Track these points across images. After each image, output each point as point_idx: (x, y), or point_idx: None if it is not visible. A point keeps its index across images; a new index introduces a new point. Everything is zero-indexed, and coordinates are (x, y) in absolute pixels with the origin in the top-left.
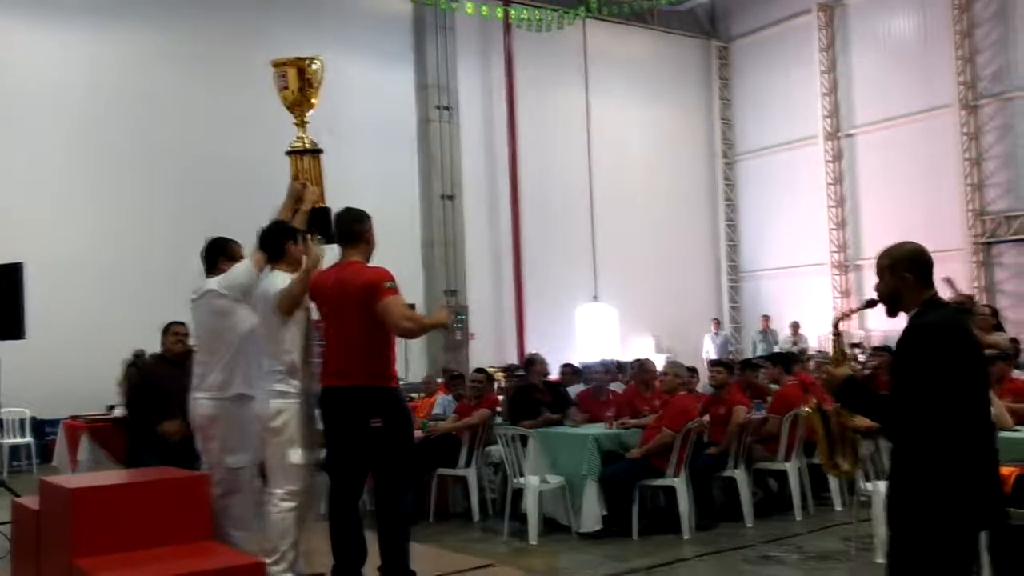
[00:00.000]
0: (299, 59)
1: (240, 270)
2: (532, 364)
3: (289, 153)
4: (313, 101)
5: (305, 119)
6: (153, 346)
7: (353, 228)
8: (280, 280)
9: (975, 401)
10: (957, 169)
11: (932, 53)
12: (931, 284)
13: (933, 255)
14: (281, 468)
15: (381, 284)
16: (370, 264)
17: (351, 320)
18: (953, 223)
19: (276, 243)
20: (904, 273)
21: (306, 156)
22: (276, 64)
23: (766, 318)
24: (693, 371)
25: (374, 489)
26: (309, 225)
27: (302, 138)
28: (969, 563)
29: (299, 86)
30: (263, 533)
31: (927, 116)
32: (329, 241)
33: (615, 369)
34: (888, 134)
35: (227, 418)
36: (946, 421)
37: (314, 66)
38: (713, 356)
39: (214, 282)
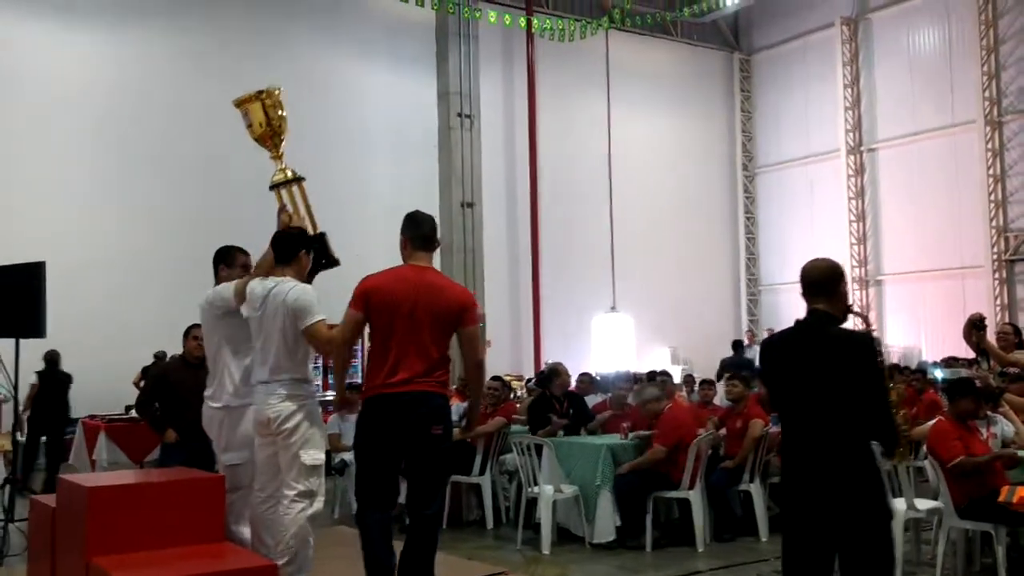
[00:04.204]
0: (258, 93)
1: (225, 288)
2: (555, 375)
3: (273, 187)
4: (283, 133)
5: (280, 151)
6: (173, 347)
7: (433, 233)
8: (292, 287)
9: (787, 407)
10: (980, 185)
11: (957, 68)
12: (808, 301)
13: (955, 272)
14: (294, 469)
15: (475, 309)
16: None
17: (432, 328)
18: (975, 240)
19: (290, 248)
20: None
21: (290, 186)
22: (237, 104)
23: (751, 333)
24: (711, 384)
25: (412, 497)
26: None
27: (283, 170)
28: (799, 555)
29: (265, 119)
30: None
31: (951, 132)
32: (328, 266)
33: (631, 381)
34: (911, 149)
35: (220, 421)
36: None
37: (275, 96)
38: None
39: (205, 296)
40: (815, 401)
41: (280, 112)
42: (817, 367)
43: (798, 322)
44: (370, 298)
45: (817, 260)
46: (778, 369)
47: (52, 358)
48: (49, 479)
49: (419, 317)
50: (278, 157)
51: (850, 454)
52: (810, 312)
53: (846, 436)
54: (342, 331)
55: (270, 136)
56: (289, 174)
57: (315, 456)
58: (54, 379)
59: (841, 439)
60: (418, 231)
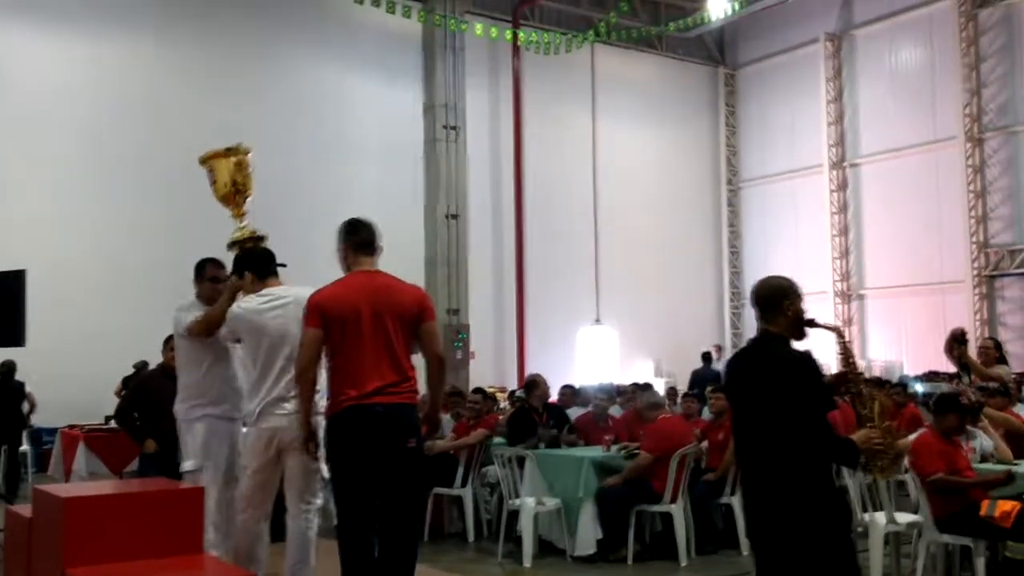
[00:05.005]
0: (226, 150)
1: (186, 315)
2: (534, 386)
3: (231, 245)
4: (247, 192)
5: (243, 210)
6: (156, 357)
7: (372, 238)
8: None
9: (734, 426)
10: (961, 201)
11: (939, 85)
12: (759, 320)
13: (936, 287)
14: (315, 483)
15: (431, 304)
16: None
17: (398, 333)
18: (956, 255)
19: (270, 260)
20: None
21: (249, 246)
22: (202, 160)
23: (719, 348)
24: (698, 398)
25: (392, 514)
26: None
27: (242, 228)
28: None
29: (230, 178)
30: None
31: (932, 148)
32: None
33: (614, 393)
34: (893, 164)
35: (185, 431)
36: None
37: (241, 155)
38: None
39: (176, 307)
40: (751, 421)
41: (246, 171)
42: (751, 388)
43: (748, 341)
44: (325, 311)
45: (765, 279)
46: (727, 389)
47: (8, 369)
48: (11, 489)
49: (383, 321)
50: (239, 216)
51: (778, 475)
52: (757, 332)
53: (776, 457)
54: (304, 353)
55: (233, 195)
56: (248, 233)
57: (327, 469)
58: (8, 390)
59: (771, 460)
60: (357, 236)
